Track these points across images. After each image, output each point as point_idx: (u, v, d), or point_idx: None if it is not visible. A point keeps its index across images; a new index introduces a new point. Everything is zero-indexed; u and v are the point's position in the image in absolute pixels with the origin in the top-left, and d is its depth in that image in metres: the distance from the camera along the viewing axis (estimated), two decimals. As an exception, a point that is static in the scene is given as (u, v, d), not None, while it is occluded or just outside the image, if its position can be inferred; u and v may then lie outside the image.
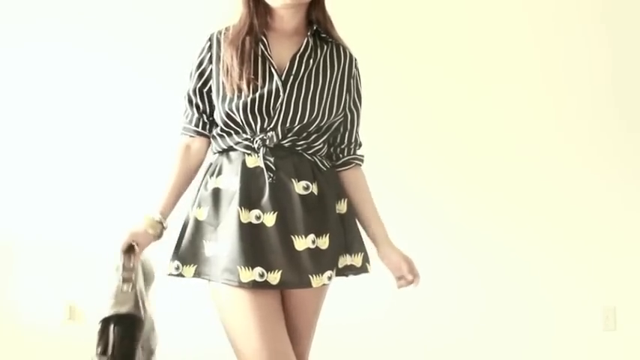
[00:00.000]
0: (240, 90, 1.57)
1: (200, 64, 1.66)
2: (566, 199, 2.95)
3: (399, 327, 2.91)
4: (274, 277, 1.55)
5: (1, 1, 2.99)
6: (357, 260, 1.71)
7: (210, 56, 1.65)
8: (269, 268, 1.55)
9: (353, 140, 1.74)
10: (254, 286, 1.53)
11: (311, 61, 1.63)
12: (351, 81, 1.70)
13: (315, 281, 1.59)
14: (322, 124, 1.64)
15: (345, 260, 1.69)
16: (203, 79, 1.65)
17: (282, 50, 1.63)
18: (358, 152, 1.76)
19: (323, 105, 1.62)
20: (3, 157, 2.99)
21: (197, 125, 1.67)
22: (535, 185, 2.95)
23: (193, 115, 1.67)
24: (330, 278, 1.63)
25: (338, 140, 1.73)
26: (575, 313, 2.95)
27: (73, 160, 2.98)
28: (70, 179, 2.94)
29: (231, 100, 1.58)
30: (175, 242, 1.64)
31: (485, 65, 2.95)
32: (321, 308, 1.74)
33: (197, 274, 1.59)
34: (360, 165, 1.77)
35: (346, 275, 1.71)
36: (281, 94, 1.58)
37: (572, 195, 2.95)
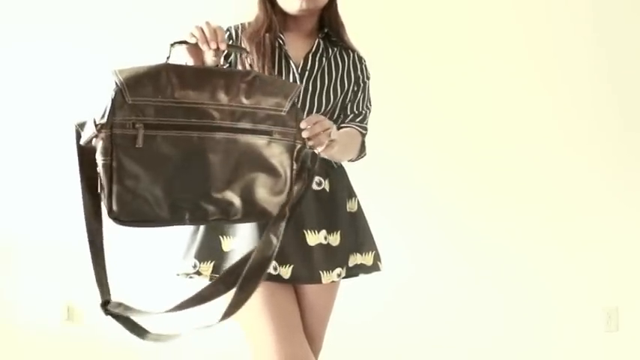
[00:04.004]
0: None
1: None
2: (567, 199, 2.94)
3: (398, 326, 2.90)
4: (286, 272, 1.56)
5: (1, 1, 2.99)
6: (367, 259, 1.72)
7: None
8: (282, 262, 1.55)
9: (354, 111, 1.74)
10: (267, 278, 1.52)
11: (323, 59, 1.69)
12: (355, 72, 1.74)
13: (325, 277, 1.60)
14: (334, 118, 1.69)
15: (355, 259, 1.70)
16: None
17: (296, 50, 1.68)
18: (360, 123, 1.74)
19: (335, 100, 1.68)
20: (3, 157, 2.98)
21: None
22: (536, 185, 2.94)
23: None
24: (339, 275, 1.64)
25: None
26: (577, 314, 2.94)
27: (74, 161, 2.96)
28: (70, 179, 2.92)
29: None
30: (187, 242, 1.63)
31: (485, 65, 2.95)
32: (332, 307, 1.74)
33: (215, 270, 1.58)
34: (360, 133, 1.73)
35: (357, 275, 1.71)
36: None
37: (574, 195, 2.94)
